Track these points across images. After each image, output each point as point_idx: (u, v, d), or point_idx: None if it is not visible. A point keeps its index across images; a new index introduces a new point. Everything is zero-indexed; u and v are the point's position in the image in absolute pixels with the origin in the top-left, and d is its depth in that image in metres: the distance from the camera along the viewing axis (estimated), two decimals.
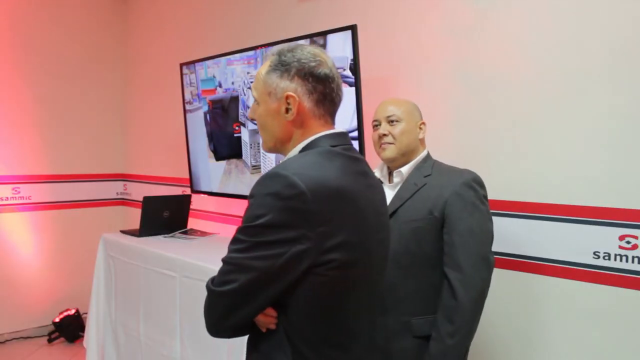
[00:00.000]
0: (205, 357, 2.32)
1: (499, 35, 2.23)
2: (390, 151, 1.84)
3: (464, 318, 1.66)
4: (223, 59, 3.02)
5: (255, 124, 1.28)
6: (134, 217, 4.41)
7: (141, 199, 3.05)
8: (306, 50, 1.21)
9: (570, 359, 2.05)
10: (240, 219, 1.11)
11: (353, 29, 2.32)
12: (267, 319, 1.14)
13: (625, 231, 1.92)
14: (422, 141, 1.90)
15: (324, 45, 2.47)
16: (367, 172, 1.25)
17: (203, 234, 3.22)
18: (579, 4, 2.01)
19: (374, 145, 1.93)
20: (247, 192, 1.23)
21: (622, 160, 1.92)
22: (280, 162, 1.18)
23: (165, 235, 3.09)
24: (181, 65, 3.32)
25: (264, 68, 1.23)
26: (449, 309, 1.67)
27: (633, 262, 1.90)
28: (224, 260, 1.12)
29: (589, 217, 1.99)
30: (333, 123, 1.25)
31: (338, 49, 2.40)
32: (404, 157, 1.85)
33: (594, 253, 1.98)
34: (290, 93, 1.18)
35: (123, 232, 3.16)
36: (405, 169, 1.85)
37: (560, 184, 2.06)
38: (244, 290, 1.09)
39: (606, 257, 1.96)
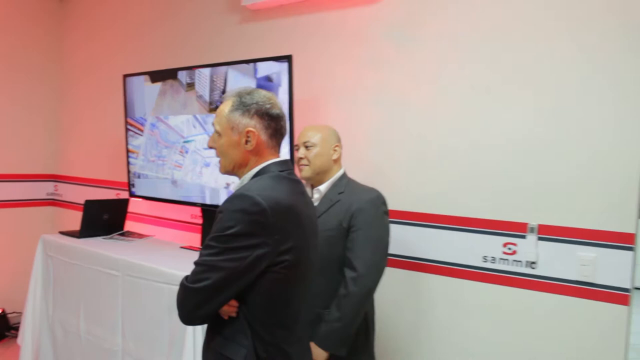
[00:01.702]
0: (146, 349, 2.54)
1: (410, 67, 2.62)
2: (306, 171, 2.20)
3: (350, 308, 2.02)
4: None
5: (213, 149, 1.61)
6: (64, 217, 4.50)
7: (72, 200, 3.22)
8: (262, 94, 1.55)
9: (461, 347, 2.46)
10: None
11: (289, 59, 2.62)
12: (230, 309, 1.44)
13: (507, 239, 2.35)
14: (336, 161, 2.25)
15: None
16: (304, 192, 1.61)
17: (140, 236, 3.42)
18: (469, 44, 2.43)
19: (296, 164, 2.27)
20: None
21: (507, 180, 2.35)
22: (241, 185, 1.52)
23: (104, 237, 3.27)
24: (124, 76, 3.49)
25: (226, 107, 1.54)
26: (340, 299, 2.03)
27: (513, 264, 2.34)
28: (197, 263, 1.41)
29: (479, 227, 2.41)
30: (279, 152, 1.59)
31: (266, 70, 2.71)
32: (319, 175, 2.21)
33: (483, 257, 2.40)
34: (251, 129, 1.51)
35: (62, 233, 3.31)
36: (323, 187, 2.21)
37: (458, 199, 2.47)
38: (215, 286, 1.38)
39: (492, 261, 2.38)
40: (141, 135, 3.44)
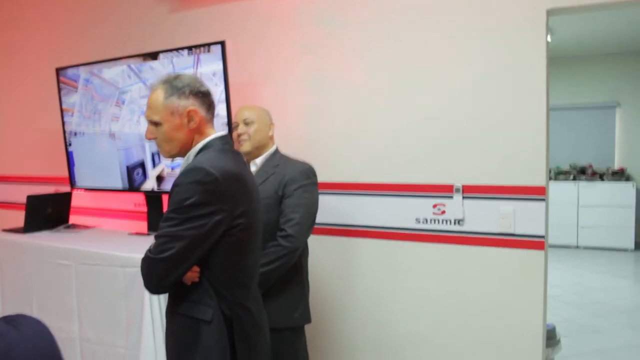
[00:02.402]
0: (105, 332, 2.62)
1: (340, 50, 2.79)
2: (246, 146, 2.36)
3: (275, 256, 2.17)
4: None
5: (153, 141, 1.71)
6: (1, 218, 4.41)
7: (9, 200, 3.20)
8: (188, 76, 1.69)
9: (400, 301, 2.69)
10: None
11: (222, 44, 2.73)
12: (193, 274, 1.58)
13: (436, 201, 2.59)
14: (271, 138, 2.43)
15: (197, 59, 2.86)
16: (245, 163, 1.76)
17: (86, 227, 3.46)
18: (396, 31, 2.63)
19: (234, 142, 2.41)
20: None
21: (432, 147, 2.58)
22: (187, 162, 1.65)
23: (50, 230, 3.29)
24: (57, 69, 3.49)
25: (159, 95, 1.63)
26: (268, 248, 2.17)
27: (442, 223, 2.58)
28: (159, 235, 1.53)
29: (410, 191, 2.63)
30: (214, 125, 1.73)
31: (208, 60, 2.82)
32: (257, 150, 2.37)
33: (416, 219, 2.63)
34: (191, 107, 1.63)
35: (5, 230, 3.30)
36: (259, 161, 2.38)
37: (388, 168, 2.69)
38: (179, 254, 1.51)
39: (424, 221, 2.61)
40: (75, 92, 3.44)
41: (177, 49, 2.93)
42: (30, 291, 2.96)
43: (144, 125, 3.06)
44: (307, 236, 2.31)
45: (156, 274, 1.54)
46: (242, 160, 1.73)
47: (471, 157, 2.50)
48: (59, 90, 3.51)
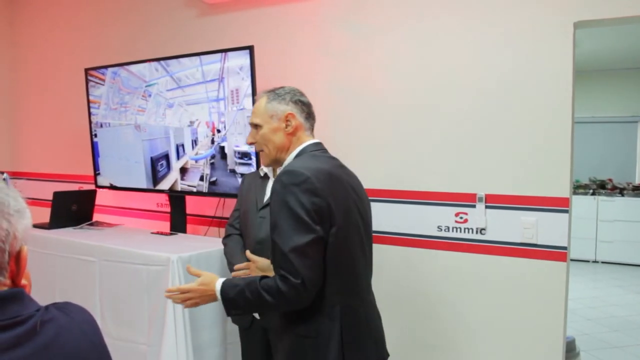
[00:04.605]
0: (127, 329, 2.66)
1: (364, 56, 2.82)
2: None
3: None
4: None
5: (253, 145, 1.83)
6: None
7: (34, 197, 3.27)
8: (290, 87, 1.81)
9: (419, 309, 2.69)
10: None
11: (251, 49, 2.78)
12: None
13: (459, 209, 2.59)
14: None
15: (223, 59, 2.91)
16: (343, 165, 1.82)
17: (109, 225, 3.51)
18: (424, 37, 2.65)
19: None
20: None
21: (456, 156, 2.59)
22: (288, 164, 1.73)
23: (74, 227, 3.34)
24: (86, 70, 3.56)
25: (262, 101, 1.77)
26: None
27: (464, 232, 2.58)
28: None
29: (433, 199, 2.64)
30: (313, 133, 1.83)
31: (235, 55, 2.87)
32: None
33: (437, 227, 2.64)
34: (290, 111, 1.74)
35: (33, 225, 3.35)
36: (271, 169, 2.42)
37: (412, 175, 2.70)
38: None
39: (446, 230, 2.62)
40: (102, 84, 3.51)
41: (205, 53, 2.98)
42: (54, 285, 3.01)
43: (169, 118, 3.14)
44: None
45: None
46: (338, 163, 1.80)
47: (495, 166, 2.51)
48: (87, 89, 3.57)
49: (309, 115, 1.81)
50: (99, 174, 3.63)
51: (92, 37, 3.98)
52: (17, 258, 0.91)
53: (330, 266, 1.59)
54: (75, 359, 0.91)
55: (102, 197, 3.79)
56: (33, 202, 3.84)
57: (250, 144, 1.82)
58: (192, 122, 3.05)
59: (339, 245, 1.60)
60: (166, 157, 3.22)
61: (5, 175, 3.23)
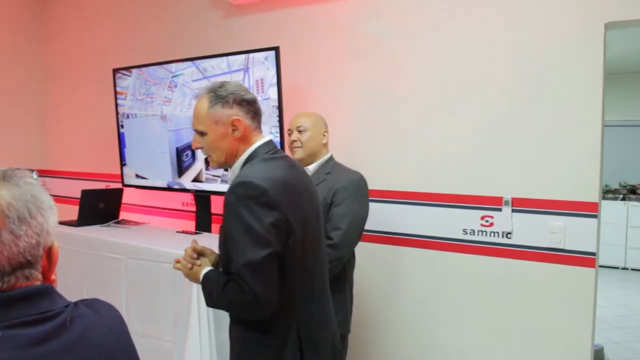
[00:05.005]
0: (152, 325, 2.69)
1: (391, 58, 2.80)
2: (299, 153, 2.39)
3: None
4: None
5: (200, 150, 1.72)
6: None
7: (61, 194, 3.33)
8: (232, 84, 1.67)
9: (444, 312, 2.67)
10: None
11: (276, 50, 2.78)
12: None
13: (484, 213, 2.56)
14: (325, 145, 2.45)
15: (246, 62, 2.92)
16: (294, 164, 1.72)
17: (135, 223, 3.56)
18: (449, 36, 2.62)
19: (288, 148, 2.45)
20: None
21: (482, 158, 2.56)
22: (233, 173, 1.65)
23: (101, 225, 3.39)
24: (114, 70, 3.61)
25: (203, 105, 1.63)
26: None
27: (490, 235, 2.55)
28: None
29: (458, 202, 2.61)
30: (262, 131, 1.71)
31: (259, 62, 2.88)
32: (310, 157, 2.40)
33: (463, 230, 2.61)
34: (235, 117, 1.62)
35: (60, 222, 3.42)
36: (312, 167, 2.40)
37: (436, 177, 2.68)
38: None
39: (472, 233, 2.59)
40: (129, 76, 3.56)
41: (231, 54, 3.00)
42: (81, 282, 3.06)
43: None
44: (353, 246, 2.31)
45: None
46: (290, 162, 1.69)
47: (522, 169, 2.47)
48: (114, 81, 3.62)
49: (256, 114, 1.66)
50: (124, 164, 3.68)
51: (121, 38, 4.04)
52: (49, 253, 0.93)
53: (286, 278, 1.54)
54: (103, 355, 0.92)
55: (129, 196, 3.84)
56: (61, 199, 3.94)
57: (196, 149, 1.70)
58: None
59: (296, 256, 1.55)
60: (191, 147, 3.24)
61: (34, 173, 3.28)
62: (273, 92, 2.82)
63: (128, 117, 3.61)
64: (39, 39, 4.65)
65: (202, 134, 1.65)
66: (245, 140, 1.64)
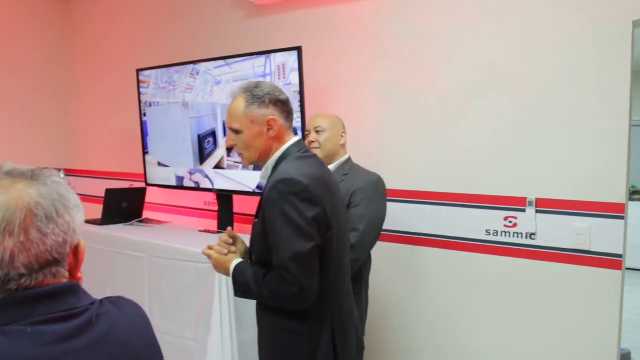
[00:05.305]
0: (174, 323, 2.71)
1: (413, 59, 2.79)
2: (317, 154, 2.37)
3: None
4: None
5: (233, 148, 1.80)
6: None
7: (85, 193, 3.38)
8: (268, 85, 1.74)
9: (467, 314, 2.64)
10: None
11: (299, 50, 2.78)
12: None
13: (508, 213, 2.53)
14: (343, 146, 2.45)
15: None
16: (323, 163, 1.80)
17: (158, 222, 3.59)
18: (470, 40, 2.60)
19: None
20: None
21: (506, 158, 2.53)
22: (265, 171, 1.73)
23: (125, 224, 3.44)
24: (137, 70, 3.65)
25: (240, 104, 1.69)
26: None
27: (514, 236, 2.52)
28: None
29: (481, 203, 2.59)
30: (293, 130, 1.78)
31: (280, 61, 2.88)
32: (327, 158, 2.39)
33: (486, 230, 2.58)
34: (271, 117, 1.68)
35: (85, 221, 3.47)
36: (330, 168, 2.38)
37: (461, 178, 2.65)
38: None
39: (495, 234, 2.57)
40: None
41: (253, 54, 3.01)
42: (104, 279, 3.11)
43: (217, 95, 3.17)
44: (370, 247, 2.30)
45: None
46: (319, 161, 1.77)
47: (546, 170, 2.44)
48: (139, 90, 3.66)
49: (289, 114, 1.74)
50: (147, 152, 3.71)
51: (144, 39, 4.08)
52: (75, 251, 0.94)
53: (324, 269, 1.61)
54: (128, 352, 0.93)
55: (152, 195, 3.88)
56: (86, 198, 3.99)
57: (230, 146, 1.76)
58: None
59: (333, 248, 1.63)
60: (213, 134, 3.26)
61: (61, 172, 3.34)
62: (295, 78, 2.82)
63: (150, 105, 3.63)
64: (63, 36, 4.71)
65: (237, 132, 1.70)
66: (278, 139, 1.71)
